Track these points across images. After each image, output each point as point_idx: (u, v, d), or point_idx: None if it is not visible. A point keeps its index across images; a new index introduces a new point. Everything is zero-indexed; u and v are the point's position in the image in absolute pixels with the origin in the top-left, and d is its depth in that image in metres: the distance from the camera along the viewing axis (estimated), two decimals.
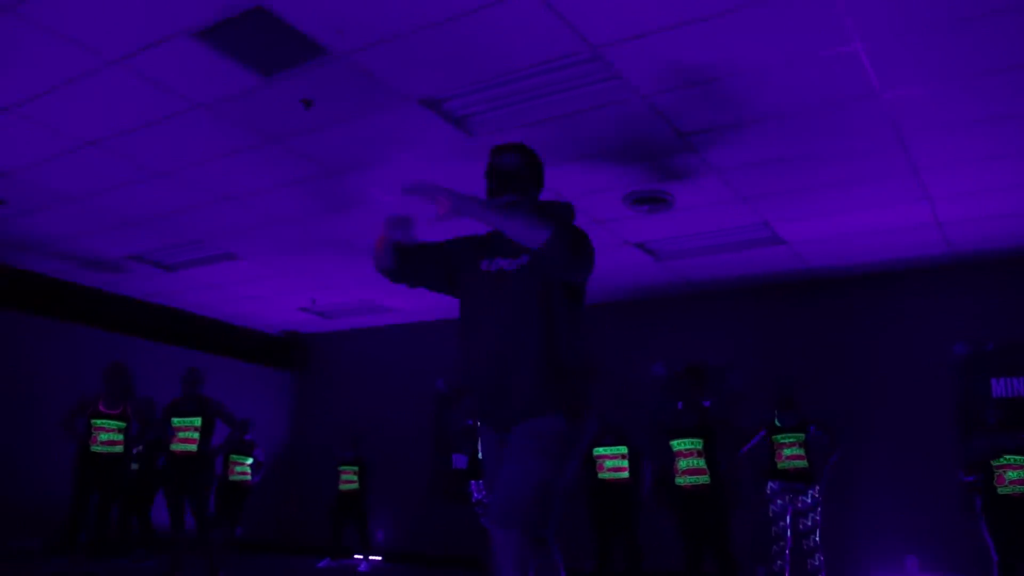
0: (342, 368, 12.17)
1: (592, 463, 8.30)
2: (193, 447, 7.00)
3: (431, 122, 5.56)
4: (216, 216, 7.51)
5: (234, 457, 9.78)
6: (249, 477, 9.86)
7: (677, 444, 5.91)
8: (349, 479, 9.78)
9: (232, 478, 9.77)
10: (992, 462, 6.55)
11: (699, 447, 5.81)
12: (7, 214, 7.62)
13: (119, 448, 7.20)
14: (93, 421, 7.15)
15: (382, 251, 2.81)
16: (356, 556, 9.99)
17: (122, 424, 7.22)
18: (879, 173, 6.16)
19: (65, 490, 9.30)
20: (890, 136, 5.54)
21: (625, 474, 8.19)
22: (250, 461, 9.87)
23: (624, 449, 8.22)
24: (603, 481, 8.21)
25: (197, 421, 7.07)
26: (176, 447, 7.04)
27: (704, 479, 5.74)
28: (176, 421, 7.11)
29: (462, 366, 2.70)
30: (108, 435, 7.14)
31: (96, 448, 7.10)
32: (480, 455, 2.77)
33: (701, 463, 5.78)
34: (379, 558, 10.62)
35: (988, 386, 7.83)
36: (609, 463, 8.26)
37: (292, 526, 11.84)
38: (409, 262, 2.84)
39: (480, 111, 5.43)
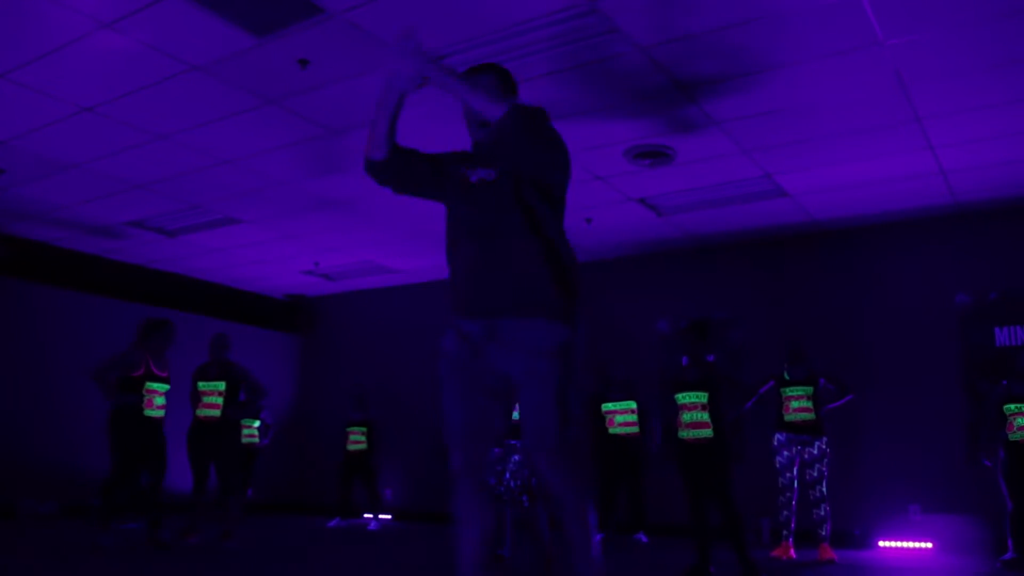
0: (348, 330, 12.21)
1: (602, 418, 8.37)
2: (217, 412, 7.01)
3: None
4: (216, 180, 7.49)
5: (243, 421, 9.85)
6: (257, 440, 9.95)
7: (681, 397, 5.93)
8: (357, 439, 9.87)
9: (242, 441, 9.85)
10: (1004, 408, 6.55)
11: (703, 400, 5.82)
12: (6, 183, 7.61)
13: (163, 412, 6.71)
14: (148, 384, 6.56)
15: (382, 128, 2.66)
16: (366, 515, 10.11)
17: (168, 387, 6.77)
18: (882, 123, 6.11)
19: (76, 456, 9.48)
20: (893, 85, 5.48)
21: (635, 428, 8.29)
22: (257, 424, 9.95)
23: (633, 404, 8.31)
24: (614, 436, 8.30)
25: (222, 386, 7.07)
26: (201, 412, 7.06)
27: (707, 432, 5.76)
28: (202, 385, 7.13)
29: (450, 274, 2.69)
30: (162, 399, 6.63)
31: (150, 412, 6.55)
32: (443, 367, 2.62)
33: (705, 416, 5.80)
34: (388, 516, 10.75)
35: (991, 335, 7.84)
36: (619, 418, 8.34)
37: (302, 487, 11.97)
38: (401, 160, 2.73)
39: None
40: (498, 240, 2.56)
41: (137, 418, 6.46)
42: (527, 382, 2.51)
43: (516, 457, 5.49)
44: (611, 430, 8.33)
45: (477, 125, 2.71)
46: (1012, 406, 6.51)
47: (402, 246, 9.68)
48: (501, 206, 2.59)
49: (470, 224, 2.64)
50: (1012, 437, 6.47)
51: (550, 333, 2.51)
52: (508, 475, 5.44)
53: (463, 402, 2.58)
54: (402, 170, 2.75)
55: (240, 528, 6.55)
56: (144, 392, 6.52)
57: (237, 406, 7.24)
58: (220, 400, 7.04)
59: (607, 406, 8.38)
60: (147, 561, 5.86)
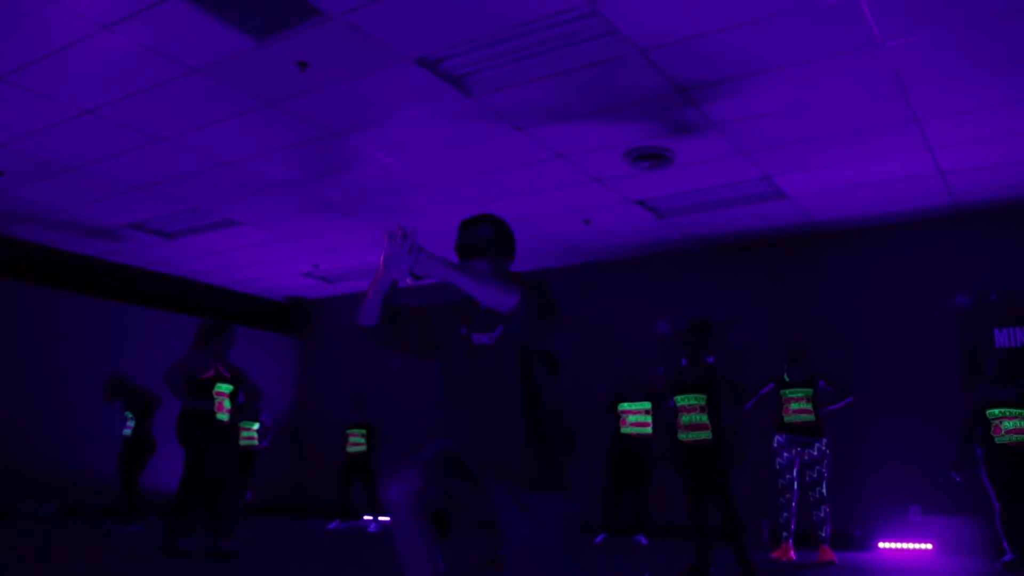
0: (347, 332, 12.13)
1: (616, 417, 8.39)
2: (225, 416, 6.94)
3: (429, 82, 5.51)
4: (215, 182, 7.49)
5: (241, 423, 9.85)
6: (256, 442, 9.95)
7: (680, 400, 5.94)
8: (357, 441, 9.87)
9: (240, 443, 9.84)
10: (987, 412, 6.58)
11: (702, 402, 5.83)
12: (5, 185, 7.61)
13: (229, 416, 6.57)
14: (218, 387, 6.43)
15: (373, 303, 2.67)
16: (365, 517, 10.11)
17: (233, 389, 6.62)
18: (881, 124, 6.11)
19: (75, 457, 9.48)
20: (891, 86, 5.49)
21: (648, 429, 8.31)
22: (256, 426, 9.96)
23: (648, 405, 8.33)
24: (626, 435, 8.31)
25: (229, 388, 7.01)
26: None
27: (706, 434, 5.77)
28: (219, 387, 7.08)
29: (442, 429, 2.68)
30: (230, 402, 6.49)
31: (222, 416, 6.40)
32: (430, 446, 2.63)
33: (703, 418, 5.80)
34: (388, 519, 10.72)
35: (991, 336, 7.84)
36: (632, 418, 8.36)
37: (301, 489, 11.97)
38: (392, 325, 2.74)
39: (478, 70, 5.38)
40: (500, 407, 2.56)
41: (209, 422, 6.33)
42: (530, 554, 2.51)
43: None
44: (623, 429, 8.35)
45: None
46: (996, 411, 6.55)
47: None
48: (501, 372, 2.58)
49: (470, 387, 2.64)
50: (998, 440, 6.51)
51: (551, 505, 2.52)
52: None
53: (439, 459, 2.54)
54: (393, 336, 2.77)
55: (239, 530, 6.52)
56: (214, 395, 6.40)
57: (235, 408, 7.21)
58: (228, 403, 7.00)
59: (623, 405, 8.41)
60: (146, 563, 5.85)
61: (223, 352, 6.56)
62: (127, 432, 8.38)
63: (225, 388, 6.49)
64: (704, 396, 5.84)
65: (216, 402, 6.37)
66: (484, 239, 2.71)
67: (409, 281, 2.54)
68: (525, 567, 2.49)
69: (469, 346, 2.66)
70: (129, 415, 8.40)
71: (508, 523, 2.54)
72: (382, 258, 2.55)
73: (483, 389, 2.60)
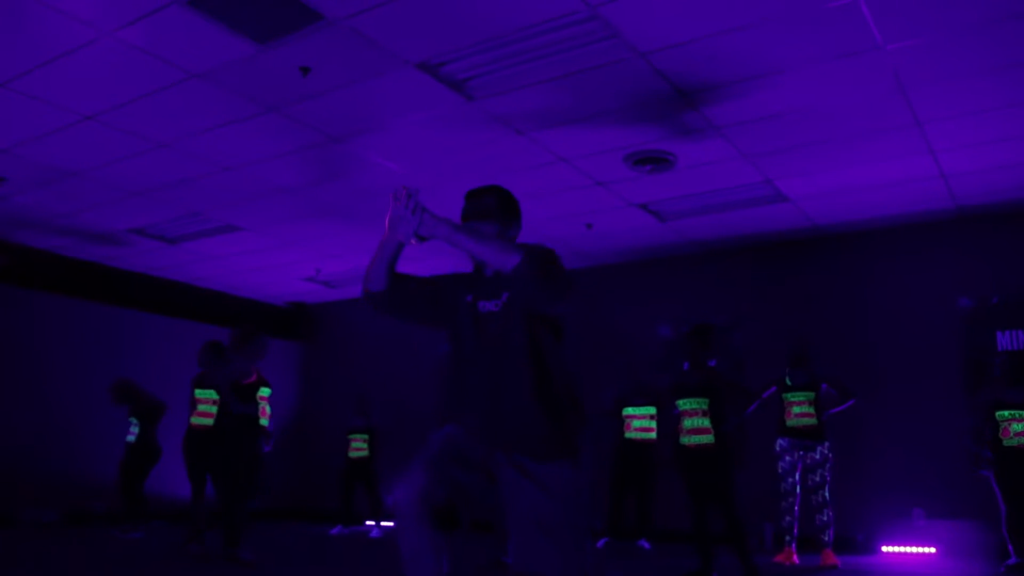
0: (349, 337, 12.20)
1: (620, 422, 8.38)
2: (210, 421, 6.99)
3: (430, 86, 5.52)
4: (217, 187, 7.50)
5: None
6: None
7: (683, 404, 5.92)
8: (359, 446, 9.86)
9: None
10: (996, 414, 6.57)
11: (704, 406, 5.82)
12: (7, 191, 7.61)
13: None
14: (262, 391, 6.49)
15: (380, 266, 2.69)
16: (368, 522, 10.10)
17: (270, 392, 6.66)
18: (882, 127, 6.11)
19: (77, 464, 9.48)
20: (893, 89, 5.48)
21: (652, 434, 8.29)
22: None
23: (652, 410, 8.32)
24: (629, 440, 8.29)
25: (215, 394, 7.06)
26: (195, 420, 7.04)
27: (708, 438, 5.76)
28: (198, 393, 7.11)
29: (449, 398, 2.69)
30: (269, 407, 6.53)
31: (264, 422, 6.47)
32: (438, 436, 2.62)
33: (706, 422, 5.79)
34: (391, 523, 10.72)
35: (993, 339, 7.83)
36: (637, 423, 8.35)
37: (304, 494, 11.95)
38: (399, 290, 2.75)
39: (478, 74, 5.38)
40: (510, 382, 2.56)
41: (255, 427, 6.39)
42: (539, 527, 2.48)
43: None
44: (627, 434, 8.33)
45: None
46: (1005, 412, 6.54)
47: (404, 253, 9.66)
48: (508, 339, 2.59)
49: (477, 355, 2.64)
50: (1007, 443, 6.49)
51: (559, 473, 2.52)
52: None
53: (446, 451, 2.54)
54: (400, 301, 2.77)
55: (244, 535, 6.53)
56: (258, 400, 6.45)
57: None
58: (214, 408, 7.02)
59: (628, 410, 8.40)
60: (151, 570, 5.84)
61: (257, 358, 6.58)
62: (131, 438, 8.35)
63: (265, 392, 6.54)
64: (706, 400, 5.83)
65: (260, 407, 6.44)
66: (488, 206, 2.73)
67: (414, 241, 2.55)
68: (533, 538, 2.47)
69: (475, 313, 2.68)
70: (134, 421, 8.39)
71: (515, 496, 2.52)
72: (387, 219, 2.58)
73: (489, 356, 2.61)
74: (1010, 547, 6.41)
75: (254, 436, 6.39)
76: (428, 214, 2.52)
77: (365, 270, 2.72)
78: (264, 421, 6.47)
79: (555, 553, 2.44)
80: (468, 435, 2.59)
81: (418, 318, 2.83)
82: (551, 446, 2.53)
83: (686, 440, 5.85)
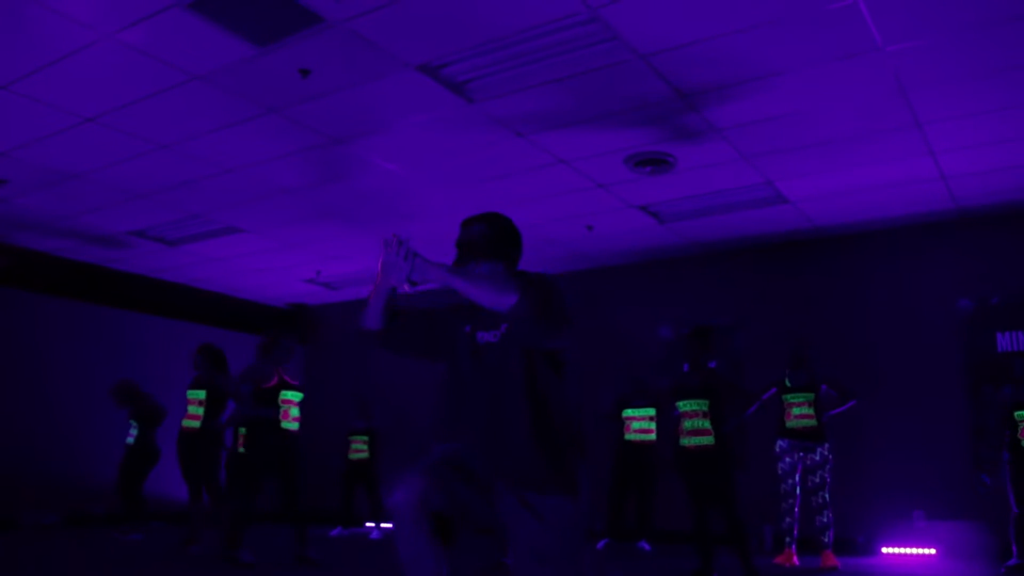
0: (350, 339, 12.15)
1: (620, 424, 8.38)
2: (197, 423, 7.01)
3: (430, 89, 5.52)
4: (217, 189, 7.50)
5: (243, 430, 9.86)
6: None
7: (683, 405, 5.92)
8: (360, 448, 9.86)
9: (242, 450, 9.85)
10: (1015, 414, 6.53)
11: (704, 408, 5.81)
12: (8, 193, 7.61)
13: (297, 425, 6.62)
14: (283, 394, 6.50)
15: (375, 308, 2.69)
16: (368, 524, 10.09)
17: (303, 396, 6.69)
18: (882, 128, 6.11)
19: (78, 466, 9.48)
20: (893, 90, 5.49)
21: (652, 436, 8.28)
22: None
23: (652, 411, 8.31)
24: (629, 442, 8.29)
25: (202, 395, 7.07)
26: (184, 423, 7.07)
27: (708, 440, 5.75)
28: (189, 394, 7.14)
29: (446, 429, 2.65)
30: (297, 410, 6.58)
31: (287, 425, 6.48)
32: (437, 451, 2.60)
33: (706, 424, 5.79)
34: (391, 526, 10.71)
35: (993, 340, 7.83)
36: (636, 424, 8.34)
37: (304, 496, 11.91)
38: (397, 327, 2.74)
39: (478, 76, 5.38)
40: (504, 406, 2.54)
41: (275, 430, 6.41)
42: (537, 559, 2.47)
43: None
44: (627, 436, 8.33)
45: None
46: (1022, 412, 6.50)
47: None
48: (506, 371, 2.55)
49: (475, 387, 2.62)
50: None
51: (558, 508, 2.49)
52: None
53: (443, 465, 2.49)
54: (397, 339, 2.77)
55: (239, 536, 6.54)
56: (280, 403, 6.48)
57: (236, 414, 7.27)
58: (200, 410, 7.03)
59: (627, 412, 8.39)
60: (151, 571, 5.84)
61: (283, 361, 6.65)
62: (130, 440, 8.36)
63: (292, 396, 6.57)
64: (707, 401, 5.83)
65: (281, 410, 6.46)
66: (477, 236, 2.69)
67: (407, 287, 2.54)
68: (531, 568, 2.47)
69: (474, 345, 2.65)
70: (133, 423, 8.40)
71: (514, 526, 2.51)
72: (379, 265, 2.57)
73: (488, 388, 2.58)
74: (1014, 547, 6.39)
75: (276, 439, 6.39)
76: (420, 259, 2.49)
77: (363, 311, 2.72)
78: (287, 424, 6.46)
79: None
80: (470, 455, 2.56)
81: (416, 354, 2.83)
82: (549, 482, 2.50)
83: (686, 441, 5.85)
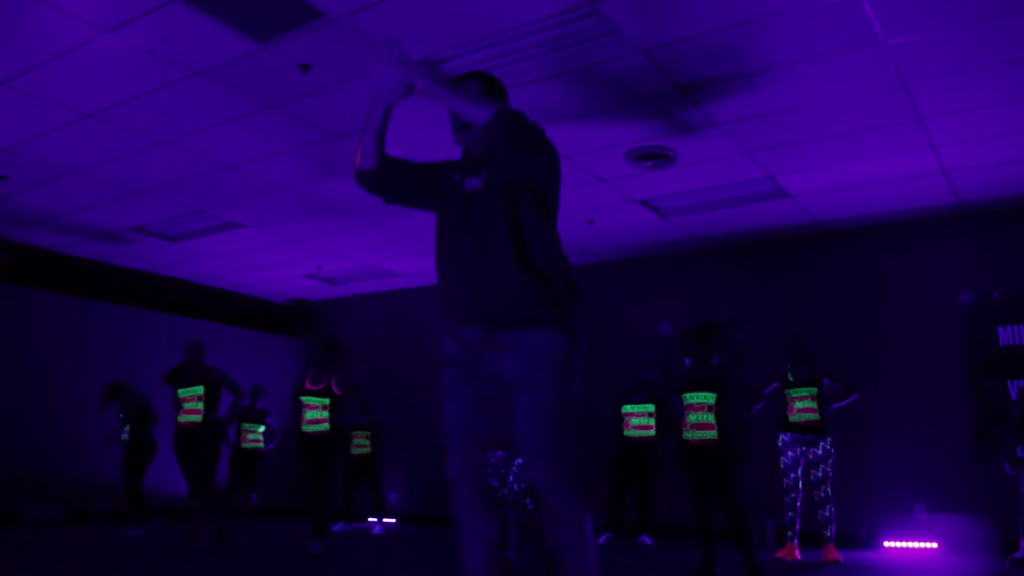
0: (351, 334, 12.13)
1: (620, 420, 8.38)
2: (198, 418, 7.02)
3: None
4: (218, 184, 7.50)
5: (246, 425, 9.96)
6: (262, 444, 10.00)
7: (689, 397, 5.89)
8: (361, 443, 9.86)
9: (245, 446, 9.96)
10: None
11: (710, 402, 5.79)
12: (8, 190, 7.62)
13: (326, 426, 6.81)
14: (302, 399, 6.83)
15: (368, 140, 2.67)
16: (370, 519, 10.11)
17: (326, 400, 6.81)
18: (884, 122, 6.10)
19: (79, 462, 9.49)
20: (894, 84, 5.47)
21: (651, 432, 8.28)
22: (262, 429, 10.00)
23: (651, 407, 8.31)
24: (628, 438, 8.29)
25: (200, 390, 7.09)
26: (182, 418, 7.08)
27: (712, 434, 5.74)
28: (181, 392, 7.15)
29: (440, 280, 2.70)
30: (314, 413, 6.79)
31: (306, 428, 6.79)
32: (445, 374, 2.66)
33: (710, 418, 5.77)
34: (393, 520, 10.74)
35: (995, 334, 7.82)
36: (635, 420, 8.35)
37: (306, 491, 11.92)
38: (390, 169, 2.75)
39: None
40: (491, 250, 2.56)
41: (294, 433, 6.78)
42: (524, 390, 2.52)
43: (520, 460, 5.47)
44: (625, 432, 8.34)
45: (460, 128, 2.71)
46: None
47: (404, 249, 9.69)
48: (492, 215, 2.59)
49: (463, 233, 2.65)
50: None
51: (547, 342, 2.53)
52: (512, 478, 5.43)
53: (460, 409, 2.61)
54: (392, 180, 2.76)
55: (232, 531, 6.55)
56: (301, 407, 6.81)
57: (232, 409, 7.31)
58: (200, 405, 7.05)
59: (626, 408, 8.40)
60: (150, 565, 5.85)
61: (323, 365, 6.96)
62: (125, 436, 8.52)
63: (309, 400, 6.81)
64: (713, 396, 5.81)
65: (300, 415, 6.82)
66: (471, 90, 2.72)
67: (401, 92, 2.53)
68: (520, 406, 2.51)
69: (462, 192, 2.70)
70: (123, 418, 8.53)
71: (505, 371, 2.54)
72: (373, 83, 2.56)
73: (474, 230, 2.62)
74: (1021, 541, 6.38)
75: (298, 442, 6.85)
76: (411, 64, 2.51)
77: (355, 147, 2.72)
78: (305, 428, 6.83)
79: (542, 432, 2.49)
80: (469, 351, 2.60)
81: (409, 198, 2.84)
82: (536, 311, 2.53)
83: (689, 435, 5.83)
